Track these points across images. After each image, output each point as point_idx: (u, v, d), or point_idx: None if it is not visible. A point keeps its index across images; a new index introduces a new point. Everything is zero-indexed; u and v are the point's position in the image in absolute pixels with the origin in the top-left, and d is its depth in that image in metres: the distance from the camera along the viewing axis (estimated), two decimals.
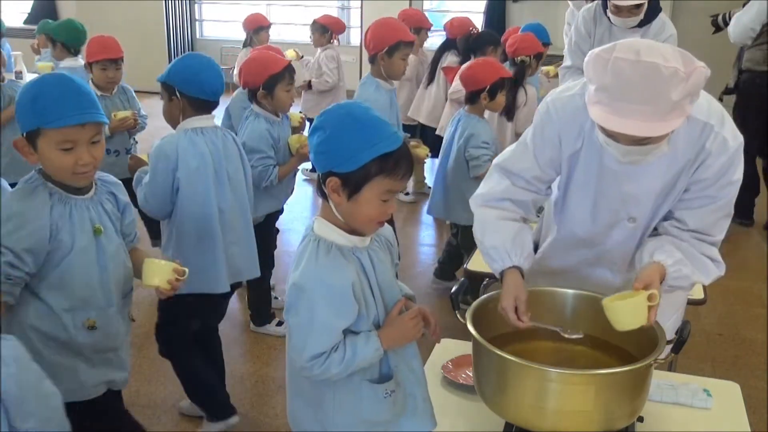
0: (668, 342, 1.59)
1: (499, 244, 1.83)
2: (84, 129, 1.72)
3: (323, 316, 1.45)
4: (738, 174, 1.75)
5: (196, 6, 10.63)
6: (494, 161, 1.98)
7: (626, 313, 1.60)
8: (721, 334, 3.79)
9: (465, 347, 1.87)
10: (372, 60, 3.48)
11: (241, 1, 10.51)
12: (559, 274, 1.98)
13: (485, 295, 1.78)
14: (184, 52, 10.22)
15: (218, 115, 2.89)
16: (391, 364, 1.58)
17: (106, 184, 1.92)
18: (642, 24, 3.59)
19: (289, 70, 3.14)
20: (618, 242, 1.90)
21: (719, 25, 5.28)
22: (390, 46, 3.38)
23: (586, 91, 1.67)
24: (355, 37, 9.75)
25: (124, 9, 9.53)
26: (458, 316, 1.70)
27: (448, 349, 1.99)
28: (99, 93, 3.66)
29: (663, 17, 3.59)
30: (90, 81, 3.69)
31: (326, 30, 5.63)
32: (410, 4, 9.28)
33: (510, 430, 1.62)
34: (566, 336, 1.71)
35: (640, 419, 1.62)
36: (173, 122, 2.49)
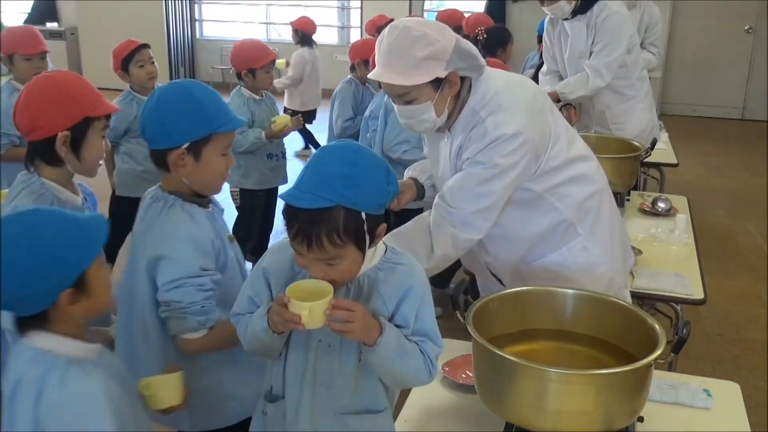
0: (668, 342, 1.58)
1: (410, 167, 2.29)
2: (234, 133, 1.76)
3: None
4: (487, 156, 1.89)
5: (196, 6, 10.63)
6: None
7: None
8: (721, 334, 3.80)
9: (465, 347, 1.87)
10: None
11: (241, 1, 10.52)
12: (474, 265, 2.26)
13: (485, 295, 1.78)
14: (184, 52, 10.23)
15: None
16: (288, 395, 1.49)
17: None
18: (584, 10, 3.59)
19: None
20: None
21: None
22: None
23: None
24: (355, 37, 9.76)
25: (124, 9, 9.54)
26: (458, 316, 1.70)
27: (448, 349, 1.99)
28: (256, 98, 3.78)
29: (606, 2, 3.58)
30: (240, 88, 3.77)
31: (297, 32, 6.36)
32: (410, 5, 9.29)
33: (510, 430, 1.62)
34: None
35: (640, 419, 1.62)
36: None
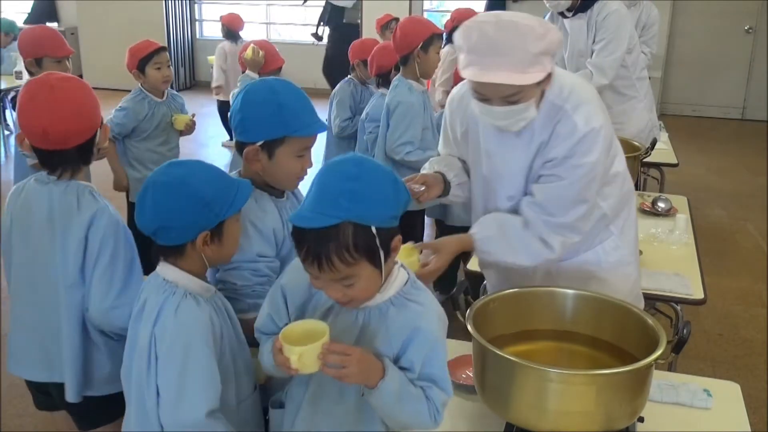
0: (668, 342, 1.58)
1: (434, 160, 2.13)
2: (314, 137, 1.77)
3: None
4: (587, 158, 1.83)
5: (196, 6, 10.63)
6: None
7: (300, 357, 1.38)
8: (721, 334, 3.80)
9: (465, 347, 1.86)
10: (404, 61, 3.40)
11: (242, 1, 10.52)
12: (492, 265, 2.10)
13: (485, 295, 1.78)
14: (184, 52, 10.23)
15: None
16: (287, 410, 1.51)
17: None
18: (584, 9, 3.58)
19: None
20: None
21: None
22: (425, 41, 3.32)
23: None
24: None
25: (124, 9, 9.54)
26: (458, 316, 1.70)
27: (448, 349, 1.98)
28: None
29: (606, 1, 3.58)
30: None
31: (223, 27, 6.76)
32: (410, 5, 9.28)
33: (510, 430, 1.62)
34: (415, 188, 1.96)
35: (641, 419, 1.62)
36: None
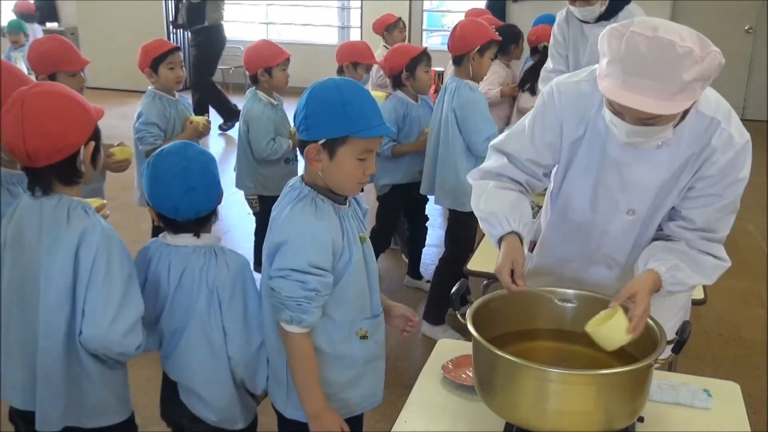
0: (668, 342, 1.59)
1: (497, 210, 1.79)
2: (378, 140, 1.74)
3: None
4: (744, 172, 1.74)
5: None
6: (491, 143, 1.98)
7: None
8: (721, 334, 3.80)
9: (465, 347, 1.87)
10: (458, 61, 3.44)
11: (242, 1, 10.52)
12: (556, 273, 1.98)
13: (485, 295, 1.78)
14: (184, 52, 10.21)
15: None
16: None
17: None
18: (608, 17, 3.51)
19: (426, 54, 3.68)
20: (615, 236, 1.89)
21: None
22: (482, 45, 3.39)
23: (592, 76, 1.72)
24: (355, 37, 9.75)
25: (124, 9, 9.54)
26: (458, 316, 1.70)
27: (448, 349, 1.99)
28: (274, 102, 3.78)
29: (632, 8, 3.51)
30: (256, 92, 3.76)
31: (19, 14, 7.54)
32: (410, 5, 9.29)
33: (510, 430, 1.62)
34: (559, 303, 1.73)
35: (641, 419, 1.62)
36: None
